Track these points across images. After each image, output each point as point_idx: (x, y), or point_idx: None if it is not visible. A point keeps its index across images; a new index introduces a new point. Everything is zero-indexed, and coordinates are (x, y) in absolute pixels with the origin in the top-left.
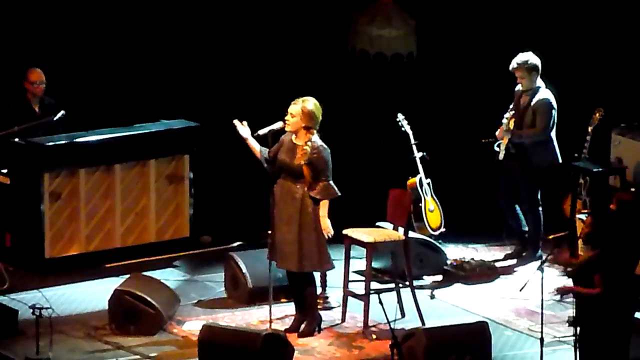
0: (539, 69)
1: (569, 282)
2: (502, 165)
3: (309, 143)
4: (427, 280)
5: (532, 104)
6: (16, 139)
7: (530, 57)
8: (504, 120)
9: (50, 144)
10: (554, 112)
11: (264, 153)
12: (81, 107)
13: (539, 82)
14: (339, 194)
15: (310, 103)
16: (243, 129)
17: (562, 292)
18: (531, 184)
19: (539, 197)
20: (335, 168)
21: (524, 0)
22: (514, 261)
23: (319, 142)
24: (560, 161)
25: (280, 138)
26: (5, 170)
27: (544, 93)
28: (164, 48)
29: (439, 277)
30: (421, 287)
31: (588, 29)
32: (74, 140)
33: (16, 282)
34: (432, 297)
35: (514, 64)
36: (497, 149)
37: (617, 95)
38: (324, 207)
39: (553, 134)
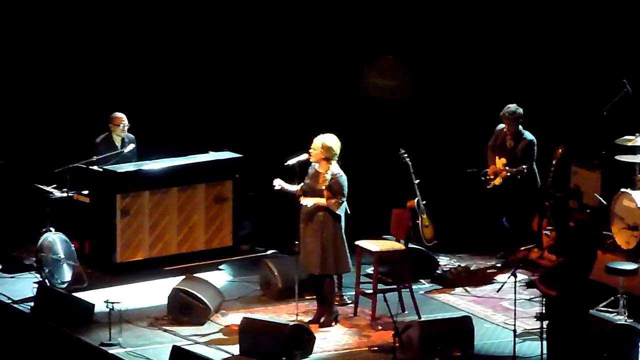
0: (522, 118)
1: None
2: (494, 191)
3: (328, 171)
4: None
5: (520, 145)
6: (95, 167)
7: (517, 109)
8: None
9: (122, 171)
10: (535, 148)
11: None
12: (149, 142)
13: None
14: (340, 214)
15: (328, 138)
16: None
17: (532, 285)
18: (518, 205)
19: (517, 215)
20: (351, 192)
21: (497, 56)
22: (492, 267)
23: (337, 170)
24: (540, 184)
25: (307, 167)
26: (86, 192)
27: (527, 135)
28: (213, 98)
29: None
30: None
31: (554, 85)
32: (141, 168)
33: (93, 282)
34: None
35: (505, 113)
36: (485, 178)
37: (575, 135)
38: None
39: (534, 164)
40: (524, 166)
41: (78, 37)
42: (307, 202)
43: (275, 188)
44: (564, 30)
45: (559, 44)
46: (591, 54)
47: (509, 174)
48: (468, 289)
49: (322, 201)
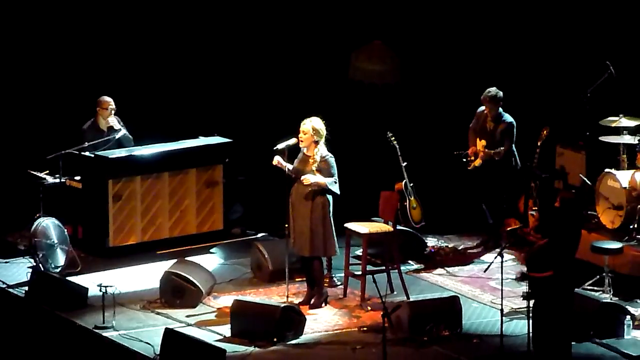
0: (501, 101)
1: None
2: (476, 173)
3: (317, 153)
4: (411, 263)
5: (499, 128)
6: (87, 153)
7: (497, 92)
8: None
9: (113, 156)
10: (515, 131)
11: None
12: (139, 127)
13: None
14: (338, 192)
15: (316, 121)
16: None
17: (525, 277)
18: (497, 186)
19: (502, 196)
20: (340, 175)
21: (482, 40)
22: (479, 248)
23: (326, 152)
24: (520, 165)
25: (295, 152)
26: (78, 178)
27: (507, 117)
28: (202, 83)
29: (421, 261)
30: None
31: (539, 67)
32: (132, 153)
33: (86, 266)
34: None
35: (485, 96)
36: (464, 160)
37: (560, 116)
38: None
39: (513, 146)
40: (501, 148)
41: (67, 25)
42: (310, 177)
43: (274, 162)
44: (549, 12)
45: (543, 26)
46: (575, 35)
47: (487, 156)
48: (449, 269)
49: (321, 180)
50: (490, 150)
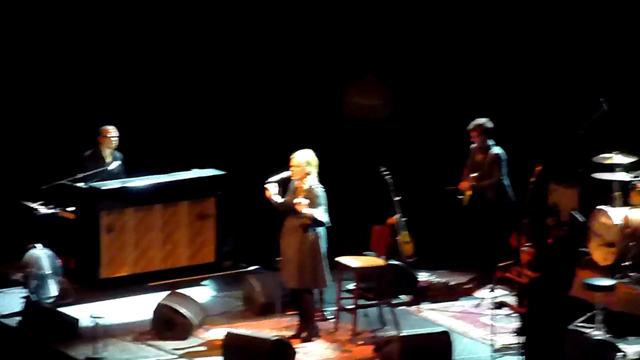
0: (489, 132)
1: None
2: (468, 208)
3: (305, 183)
4: (403, 298)
5: (487, 159)
6: (81, 184)
7: (484, 122)
8: (471, 177)
9: (106, 188)
10: (504, 163)
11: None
12: (133, 159)
13: (490, 141)
14: (325, 222)
15: (306, 152)
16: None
17: (500, 305)
18: (489, 221)
19: (495, 232)
20: (332, 209)
21: (476, 76)
22: (471, 283)
23: (315, 182)
24: (514, 199)
25: (287, 184)
26: (71, 208)
27: (495, 149)
28: (196, 116)
29: (412, 296)
30: (398, 304)
31: (533, 103)
32: (125, 185)
33: (78, 297)
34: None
35: (471, 125)
36: (459, 197)
37: (553, 153)
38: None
39: (506, 180)
40: (491, 180)
41: (64, 55)
42: (302, 201)
43: (266, 194)
44: (542, 48)
45: (537, 63)
46: (569, 72)
47: (475, 187)
48: (440, 304)
49: (308, 211)
50: (480, 183)
